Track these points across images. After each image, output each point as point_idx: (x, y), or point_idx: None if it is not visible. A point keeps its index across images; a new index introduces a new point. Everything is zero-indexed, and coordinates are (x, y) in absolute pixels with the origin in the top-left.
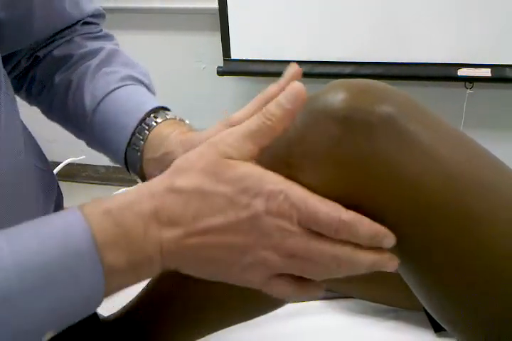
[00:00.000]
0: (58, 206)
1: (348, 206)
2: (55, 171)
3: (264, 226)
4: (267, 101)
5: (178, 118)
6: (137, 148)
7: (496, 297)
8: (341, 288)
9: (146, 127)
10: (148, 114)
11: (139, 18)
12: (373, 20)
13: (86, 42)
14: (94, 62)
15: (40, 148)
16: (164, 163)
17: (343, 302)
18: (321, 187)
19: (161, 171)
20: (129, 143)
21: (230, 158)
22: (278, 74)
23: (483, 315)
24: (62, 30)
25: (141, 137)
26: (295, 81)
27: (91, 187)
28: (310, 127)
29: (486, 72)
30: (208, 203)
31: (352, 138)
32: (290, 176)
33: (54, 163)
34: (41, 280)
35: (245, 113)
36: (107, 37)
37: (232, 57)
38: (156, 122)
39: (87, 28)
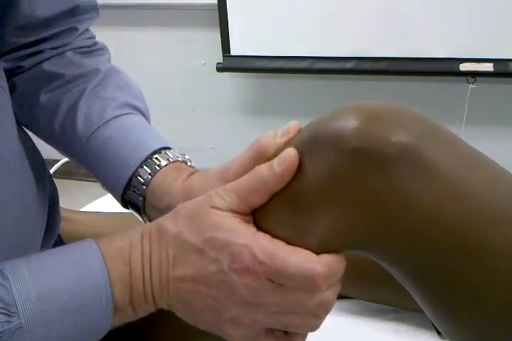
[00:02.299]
0: (53, 198)
1: (357, 248)
2: (53, 169)
3: (231, 283)
4: (261, 152)
5: (180, 158)
6: (138, 192)
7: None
8: (340, 289)
9: (149, 171)
10: (149, 156)
11: (137, 15)
12: (374, 15)
13: (79, 59)
14: (88, 85)
15: (33, 143)
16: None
17: (342, 303)
18: (323, 227)
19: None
20: (128, 184)
21: (215, 206)
22: (278, 70)
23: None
24: (52, 36)
25: (142, 181)
26: (292, 148)
27: (89, 185)
28: (315, 159)
29: (489, 67)
30: (183, 252)
31: (364, 172)
32: (290, 212)
33: (52, 160)
34: (61, 311)
35: (238, 164)
36: (101, 50)
37: (231, 54)
38: (158, 166)
39: (79, 41)
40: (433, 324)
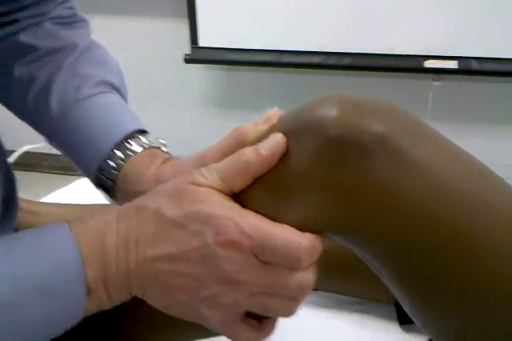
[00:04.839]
0: (9, 188)
1: (337, 232)
2: (11, 160)
3: (215, 257)
4: (240, 139)
5: (154, 144)
6: (108, 176)
7: (487, 317)
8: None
9: (121, 156)
10: (122, 140)
11: (101, 2)
12: (342, 10)
13: (57, 30)
14: (65, 60)
15: None
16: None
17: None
18: (303, 210)
19: None
20: (99, 167)
21: (196, 183)
22: (246, 63)
23: (474, 332)
24: (29, 4)
25: (113, 166)
26: (280, 133)
27: (52, 177)
28: (298, 145)
29: (453, 64)
30: (163, 228)
31: (344, 159)
32: (271, 195)
33: (8, 151)
34: (30, 293)
35: (216, 150)
36: (81, 23)
37: (199, 45)
38: (131, 151)
39: (59, 10)
40: (398, 315)
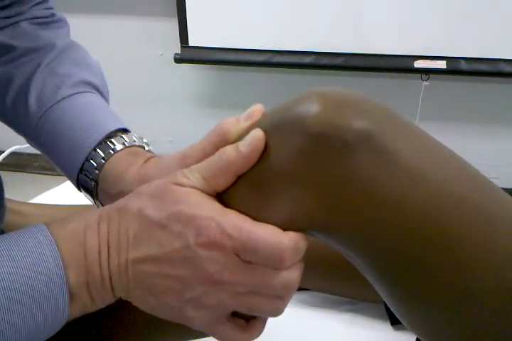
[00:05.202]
0: None
1: (320, 230)
2: None
3: (197, 258)
4: (223, 136)
5: (137, 143)
6: (90, 176)
7: (468, 314)
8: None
9: (102, 155)
10: (104, 139)
11: (91, 2)
12: (333, 10)
13: (34, 30)
14: (43, 60)
15: None
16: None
17: (298, 295)
18: (286, 207)
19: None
20: (81, 168)
21: (179, 183)
22: (236, 63)
23: (457, 331)
24: (5, 5)
25: (95, 165)
26: (258, 129)
27: (43, 178)
28: (279, 142)
29: (442, 65)
30: (145, 229)
31: (326, 156)
32: (254, 192)
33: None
34: (10, 299)
35: (199, 149)
36: (59, 23)
37: (189, 44)
38: (113, 150)
39: (36, 11)
40: (388, 315)
